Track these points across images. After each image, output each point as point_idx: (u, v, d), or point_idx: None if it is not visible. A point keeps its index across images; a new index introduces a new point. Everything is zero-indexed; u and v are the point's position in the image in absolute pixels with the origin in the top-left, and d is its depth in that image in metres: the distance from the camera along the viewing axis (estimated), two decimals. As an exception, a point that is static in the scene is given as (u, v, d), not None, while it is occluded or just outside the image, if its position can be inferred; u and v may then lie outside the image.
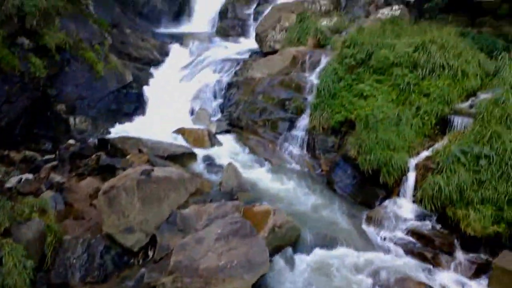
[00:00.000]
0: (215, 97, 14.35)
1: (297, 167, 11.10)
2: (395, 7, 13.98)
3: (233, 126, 12.94)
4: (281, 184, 10.06)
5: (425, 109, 9.64)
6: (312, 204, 9.25)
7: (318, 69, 12.80)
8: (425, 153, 8.96)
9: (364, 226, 8.56)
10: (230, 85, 14.44)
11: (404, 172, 8.79)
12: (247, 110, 12.90)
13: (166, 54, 17.21)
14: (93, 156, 10.20)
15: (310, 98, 12.06)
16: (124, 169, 9.17)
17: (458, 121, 9.19)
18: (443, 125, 9.47)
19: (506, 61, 9.79)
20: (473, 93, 9.77)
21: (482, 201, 7.62)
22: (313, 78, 12.67)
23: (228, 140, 12.30)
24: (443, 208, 7.96)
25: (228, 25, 20.73)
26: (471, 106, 9.29)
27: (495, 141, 7.99)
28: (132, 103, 13.88)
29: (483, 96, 9.32)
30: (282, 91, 12.78)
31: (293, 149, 11.61)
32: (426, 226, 8.04)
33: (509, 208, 7.37)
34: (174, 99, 14.24)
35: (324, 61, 12.94)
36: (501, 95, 8.60)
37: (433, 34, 10.87)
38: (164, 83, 15.11)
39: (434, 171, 8.31)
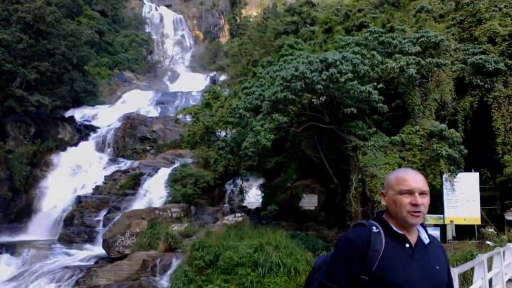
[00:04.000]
0: (50, 310, 13.49)
1: None
2: (238, 214, 17.00)
3: None
4: None
5: (268, 305, 11.17)
6: None
7: (169, 272, 13.77)
8: None
9: None
10: (70, 295, 13.95)
11: None
12: (88, 321, 12.42)
13: (-8, 267, 16.16)
14: None
15: (160, 302, 12.56)
16: None
17: (296, 314, 10.81)
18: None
19: (326, 258, 12.58)
20: None
21: None
22: (164, 282, 13.46)
23: None
24: None
25: (74, 231, 20.92)
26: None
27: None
28: None
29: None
30: (130, 298, 13.00)
31: None
32: None
33: None
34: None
35: (175, 263, 14.11)
36: None
37: (268, 236, 13.51)
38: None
39: None
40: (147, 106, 41.18)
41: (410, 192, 2.03)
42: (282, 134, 16.73)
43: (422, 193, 2.05)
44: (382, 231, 2.04)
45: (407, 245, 2.03)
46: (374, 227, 2.05)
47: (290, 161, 19.14)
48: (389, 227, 2.06)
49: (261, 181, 21.27)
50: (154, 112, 39.43)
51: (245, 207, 20.66)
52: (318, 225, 16.15)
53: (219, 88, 33.38)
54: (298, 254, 12.84)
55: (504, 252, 9.28)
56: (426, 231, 2.16)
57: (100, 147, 30.59)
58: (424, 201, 2.05)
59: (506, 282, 8.87)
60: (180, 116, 29.06)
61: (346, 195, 15.11)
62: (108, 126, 33.26)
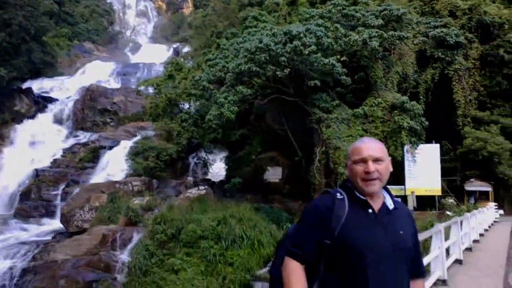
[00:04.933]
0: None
1: None
2: (201, 187, 16.51)
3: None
4: None
5: (230, 277, 10.90)
6: None
7: (129, 247, 13.20)
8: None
9: None
10: (25, 271, 13.19)
11: None
12: (44, 299, 11.78)
13: None
14: None
15: (121, 277, 12.05)
16: None
17: (259, 286, 10.63)
18: (246, 291, 10.73)
19: (289, 229, 12.43)
20: (269, 260, 11.69)
21: None
22: (124, 256, 12.89)
23: None
24: None
25: (31, 206, 19.88)
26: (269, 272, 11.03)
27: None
28: None
29: (276, 260, 11.29)
30: (89, 273, 12.40)
31: None
32: None
33: None
34: None
35: (136, 238, 13.54)
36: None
37: (232, 209, 13.16)
38: None
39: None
40: (108, 78, 39.35)
41: (364, 160, 2.04)
42: (246, 106, 16.25)
43: (376, 160, 2.04)
44: (346, 198, 2.05)
45: (370, 211, 2.04)
46: (338, 194, 2.06)
47: (254, 133, 18.74)
48: (353, 193, 2.07)
49: (225, 153, 20.83)
50: (115, 84, 37.75)
51: (209, 180, 20.22)
52: (283, 197, 15.98)
53: (182, 59, 32.23)
54: (262, 226, 12.60)
55: (461, 221, 9.36)
56: (391, 197, 2.16)
57: (59, 120, 29.05)
58: (380, 167, 2.04)
59: (463, 250, 8.96)
60: (142, 87, 27.86)
61: (310, 167, 14.95)
62: (67, 98, 31.61)
